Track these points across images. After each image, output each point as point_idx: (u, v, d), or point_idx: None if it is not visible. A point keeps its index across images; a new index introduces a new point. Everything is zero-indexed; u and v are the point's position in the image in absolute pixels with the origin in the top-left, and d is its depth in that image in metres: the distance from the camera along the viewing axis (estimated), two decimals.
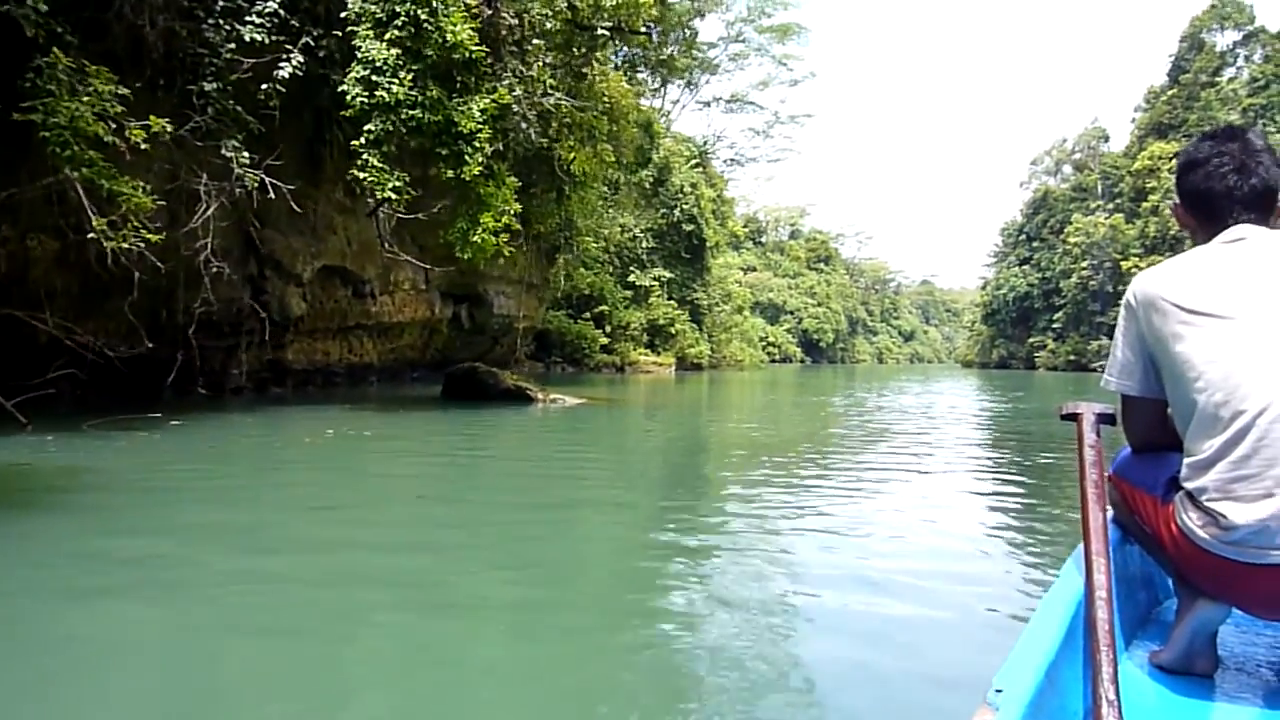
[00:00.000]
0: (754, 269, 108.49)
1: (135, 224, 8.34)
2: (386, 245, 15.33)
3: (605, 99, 14.53)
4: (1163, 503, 1.89)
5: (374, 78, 10.15)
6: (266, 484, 6.36)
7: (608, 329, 38.80)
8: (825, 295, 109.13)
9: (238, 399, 14.86)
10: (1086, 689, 1.56)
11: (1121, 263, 65.70)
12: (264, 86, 10.53)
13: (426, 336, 21.74)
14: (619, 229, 40.68)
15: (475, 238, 11.31)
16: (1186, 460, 1.80)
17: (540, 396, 13.88)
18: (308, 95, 11.51)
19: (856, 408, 16.24)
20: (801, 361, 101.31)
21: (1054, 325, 75.73)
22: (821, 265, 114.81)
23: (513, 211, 12.00)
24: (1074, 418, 2.09)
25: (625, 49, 24.11)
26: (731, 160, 63.58)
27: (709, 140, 48.48)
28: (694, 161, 44.55)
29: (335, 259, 16.82)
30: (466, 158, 10.75)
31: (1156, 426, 1.99)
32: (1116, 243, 67.85)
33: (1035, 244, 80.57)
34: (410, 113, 10.25)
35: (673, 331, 41.13)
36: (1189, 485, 1.78)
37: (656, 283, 41.30)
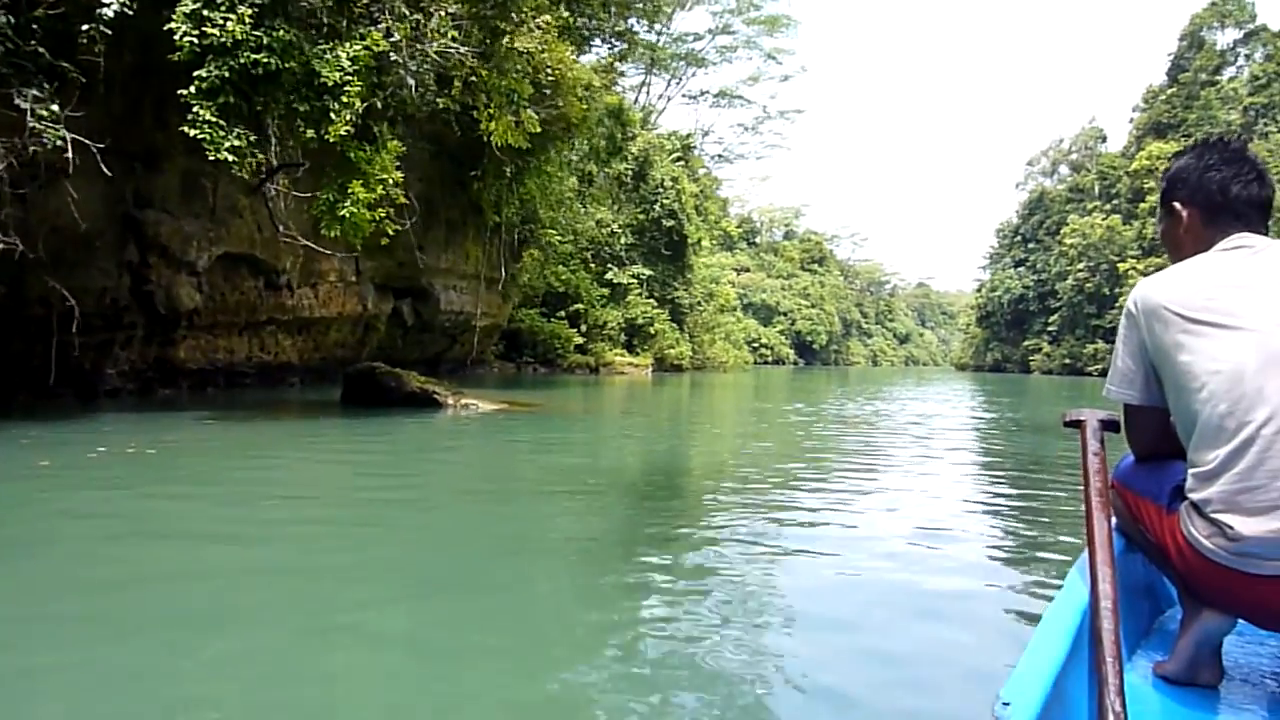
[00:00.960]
0: (747, 270, 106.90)
1: None
2: (281, 228, 13.37)
3: (529, 63, 12.53)
4: (1168, 512, 1.90)
5: (205, 12, 8.19)
6: None
7: (583, 328, 36.85)
8: (819, 296, 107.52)
9: (114, 402, 12.90)
10: (1092, 701, 1.54)
11: (1119, 264, 63.76)
12: (85, 28, 8.57)
13: (361, 334, 19.76)
14: (594, 224, 38.80)
15: (344, 211, 9.32)
16: (1191, 471, 1.80)
17: (451, 401, 11.91)
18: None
19: (825, 421, 14.31)
20: (794, 363, 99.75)
21: (1049, 328, 73.77)
22: (815, 266, 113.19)
23: (392, 181, 9.96)
24: (1077, 425, 2.06)
25: (575, 15, 22.06)
26: (719, 156, 61.60)
27: (693, 134, 46.54)
28: (676, 156, 42.55)
29: (240, 245, 14.83)
30: (332, 114, 8.78)
31: (1160, 436, 1.98)
32: (1113, 244, 65.86)
33: (1031, 245, 78.69)
34: (254, 57, 8.29)
35: (651, 331, 39.15)
36: (1194, 496, 1.78)
37: (635, 280, 39.31)
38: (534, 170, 21.57)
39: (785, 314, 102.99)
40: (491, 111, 12.11)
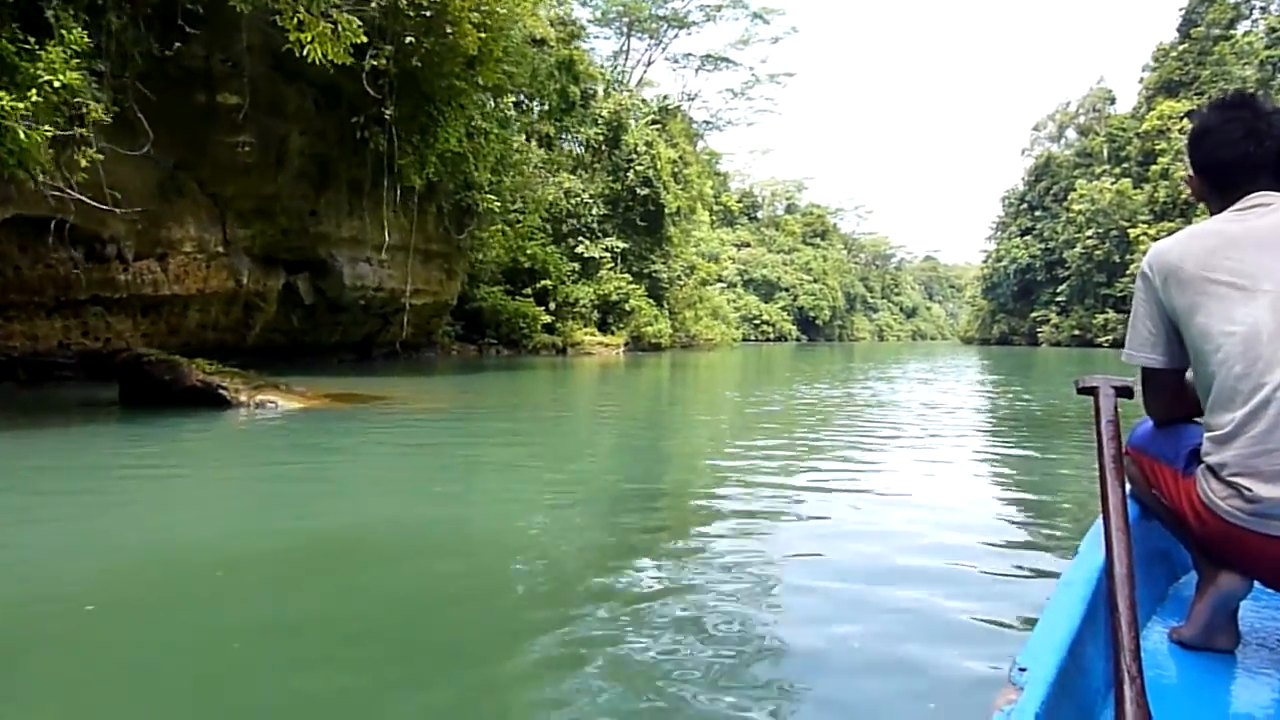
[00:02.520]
0: (748, 245, 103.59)
1: None
2: (71, 187, 10.22)
3: None
4: (1184, 475, 1.87)
5: None
6: None
7: (551, 306, 33.78)
8: (821, 271, 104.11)
9: None
10: (1108, 666, 1.53)
11: (1129, 230, 60.01)
12: None
13: (241, 314, 16.66)
14: (561, 193, 35.60)
15: None
16: (1207, 434, 1.78)
17: (245, 398, 8.83)
18: None
19: (803, 408, 11.29)
20: (797, 340, 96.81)
21: (1058, 299, 70.25)
22: (818, 240, 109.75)
23: (62, 84, 6.80)
24: (1091, 392, 2.05)
25: None
26: (707, 123, 58.02)
27: (671, 98, 42.86)
28: (651, 120, 39.13)
29: (40, 207, 11.74)
30: None
31: (1179, 399, 1.94)
32: (1124, 209, 62.05)
33: (1038, 213, 75.07)
34: None
35: (627, 308, 35.96)
36: (1210, 459, 1.76)
37: (608, 254, 36.10)
38: (450, 122, 18.36)
39: (787, 289, 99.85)
40: (301, 18, 8.89)
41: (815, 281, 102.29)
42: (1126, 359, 1.94)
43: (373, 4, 11.54)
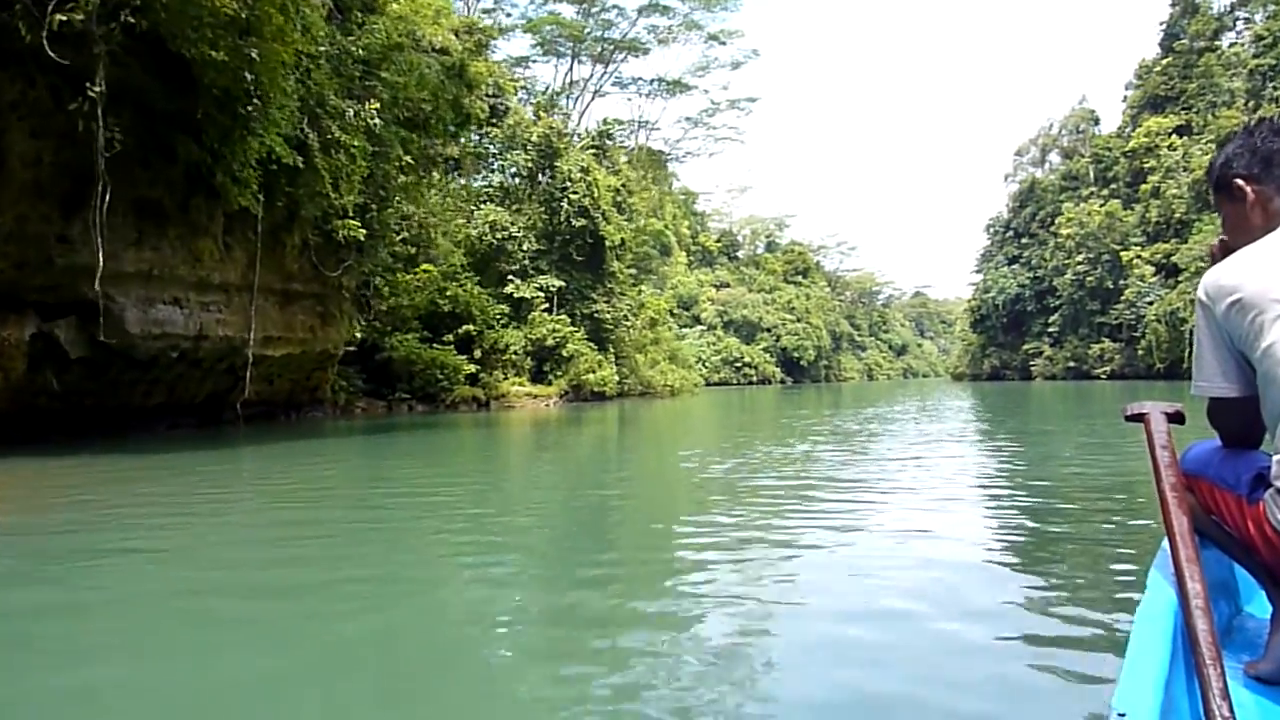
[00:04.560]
0: (727, 285, 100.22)
1: None
2: None
3: None
4: (1249, 502, 1.81)
5: None
6: None
7: (477, 354, 29.97)
8: (805, 310, 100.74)
9: None
10: (1194, 703, 1.51)
11: (1121, 253, 56.48)
12: None
13: None
14: (486, 227, 31.83)
15: None
16: (1276, 457, 1.73)
17: None
18: None
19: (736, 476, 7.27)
20: (781, 382, 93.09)
21: (1050, 330, 66.96)
22: (800, 278, 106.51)
23: None
24: (1140, 419, 1.99)
25: None
26: (664, 154, 54.64)
27: (612, 123, 38.88)
28: (589, 146, 35.47)
29: None
30: None
31: (1255, 425, 1.86)
32: (1114, 231, 58.68)
33: (1024, 240, 72.16)
34: None
35: (565, 354, 31.96)
36: None
37: (541, 293, 32.23)
38: (270, 121, 14.43)
39: (769, 330, 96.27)
40: None
41: (799, 321, 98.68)
42: (1196, 392, 1.90)
43: None
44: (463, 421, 21.45)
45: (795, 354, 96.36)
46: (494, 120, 28.50)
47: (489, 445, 14.91)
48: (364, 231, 19.36)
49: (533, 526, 5.80)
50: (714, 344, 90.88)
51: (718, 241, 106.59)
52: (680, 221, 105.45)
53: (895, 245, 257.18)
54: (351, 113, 18.47)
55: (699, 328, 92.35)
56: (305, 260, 19.83)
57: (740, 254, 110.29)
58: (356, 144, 18.42)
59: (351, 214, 19.20)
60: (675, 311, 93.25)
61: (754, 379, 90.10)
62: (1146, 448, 1.90)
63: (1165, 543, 1.75)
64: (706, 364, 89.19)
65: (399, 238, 23.48)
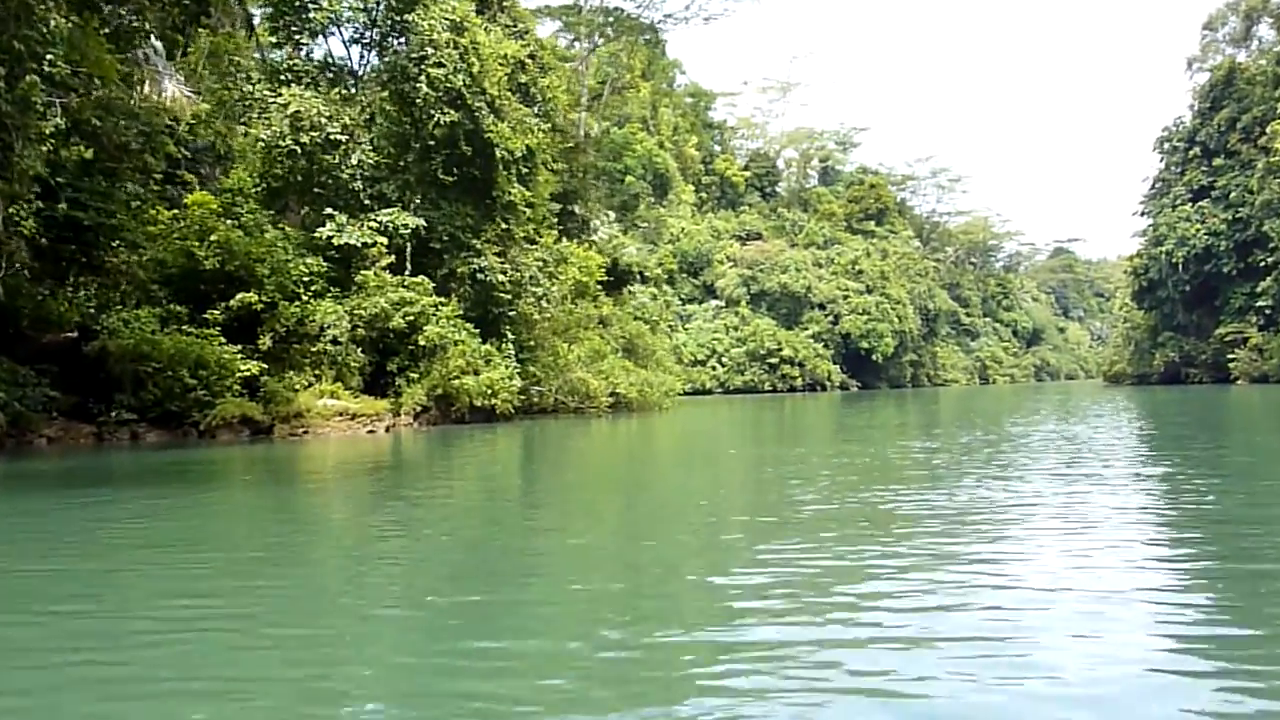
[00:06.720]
0: (758, 236, 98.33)
1: None
2: None
3: None
4: None
5: None
6: None
7: (266, 342, 27.15)
8: (879, 275, 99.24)
9: None
10: None
11: None
12: None
13: None
14: (285, 124, 28.44)
15: None
16: None
17: None
18: None
19: None
20: (843, 387, 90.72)
21: (1258, 302, 66.05)
22: (873, 226, 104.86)
23: None
24: None
25: None
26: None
27: None
28: None
29: None
30: None
31: None
32: None
33: (1219, 161, 71.70)
34: None
35: (422, 343, 28.49)
36: None
37: (383, 240, 28.89)
38: None
39: (823, 306, 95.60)
40: None
41: (869, 292, 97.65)
42: None
43: None
44: (208, 467, 18.73)
45: (864, 344, 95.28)
46: None
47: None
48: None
49: None
50: (735, 328, 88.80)
51: (745, 170, 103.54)
52: (686, 138, 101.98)
53: (1022, 178, 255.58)
54: None
55: (712, 302, 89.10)
56: None
57: (780, 188, 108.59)
58: None
59: None
60: (676, 277, 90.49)
61: (799, 383, 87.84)
62: None
63: None
64: (723, 360, 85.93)
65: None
